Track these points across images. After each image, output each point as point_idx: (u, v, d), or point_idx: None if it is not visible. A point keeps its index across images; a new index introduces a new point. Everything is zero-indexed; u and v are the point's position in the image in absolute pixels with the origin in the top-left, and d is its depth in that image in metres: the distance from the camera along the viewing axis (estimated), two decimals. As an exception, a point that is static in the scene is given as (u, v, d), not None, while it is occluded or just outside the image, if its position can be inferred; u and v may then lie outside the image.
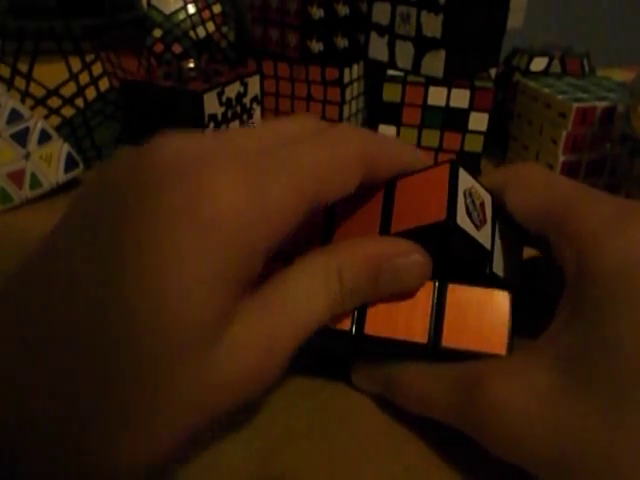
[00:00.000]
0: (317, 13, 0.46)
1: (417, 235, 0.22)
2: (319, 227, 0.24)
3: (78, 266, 0.17)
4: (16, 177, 0.41)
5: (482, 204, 0.23)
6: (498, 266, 0.23)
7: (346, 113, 0.49)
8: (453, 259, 0.23)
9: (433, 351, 0.22)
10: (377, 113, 0.47)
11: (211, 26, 0.56)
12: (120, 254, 0.16)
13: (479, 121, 0.45)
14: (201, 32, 0.55)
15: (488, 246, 0.22)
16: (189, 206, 0.16)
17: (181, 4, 0.54)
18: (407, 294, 0.23)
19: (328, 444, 0.23)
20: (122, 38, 0.49)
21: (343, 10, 0.47)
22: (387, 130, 0.46)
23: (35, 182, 0.42)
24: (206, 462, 0.22)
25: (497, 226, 0.24)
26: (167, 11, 0.54)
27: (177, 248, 0.16)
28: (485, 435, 0.20)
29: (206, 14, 0.55)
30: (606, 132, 0.42)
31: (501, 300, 0.22)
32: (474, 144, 0.45)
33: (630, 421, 0.17)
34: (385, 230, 0.23)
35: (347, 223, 0.24)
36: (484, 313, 0.22)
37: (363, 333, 0.23)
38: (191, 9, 0.55)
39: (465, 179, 0.22)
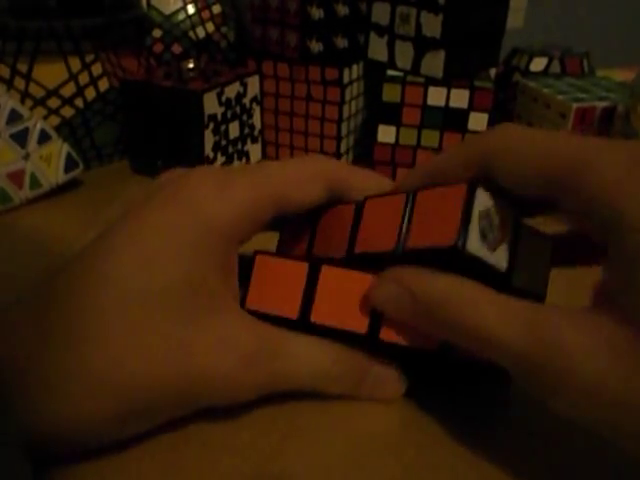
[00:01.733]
0: (317, 13, 0.46)
1: (428, 255, 0.21)
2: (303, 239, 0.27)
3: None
4: (16, 177, 0.41)
5: (503, 221, 0.22)
6: (520, 277, 0.22)
7: (346, 113, 0.49)
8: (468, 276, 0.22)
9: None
10: (377, 113, 0.47)
11: (211, 26, 0.56)
12: (121, 227, 0.22)
13: (479, 121, 0.45)
14: (201, 32, 0.55)
15: (503, 265, 0.22)
16: (172, 196, 0.23)
17: (181, 4, 0.54)
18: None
19: (328, 444, 0.23)
20: (122, 38, 0.49)
21: (343, 10, 0.47)
22: (387, 130, 0.46)
23: (35, 182, 0.42)
24: (206, 462, 0.22)
25: (522, 235, 0.22)
26: (167, 11, 0.54)
27: (159, 222, 0.22)
28: (552, 385, 0.19)
29: (206, 14, 0.55)
30: (606, 132, 0.42)
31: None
32: (474, 144, 0.45)
33: None
34: (351, 245, 0.24)
35: (324, 237, 0.26)
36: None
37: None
38: (191, 9, 0.55)
39: (483, 199, 0.21)
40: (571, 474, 0.22)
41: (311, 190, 0.24)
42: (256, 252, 0.25)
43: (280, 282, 0.24)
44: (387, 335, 0.23)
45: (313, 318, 0.24)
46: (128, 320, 0.20)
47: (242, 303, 0.24)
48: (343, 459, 0.22)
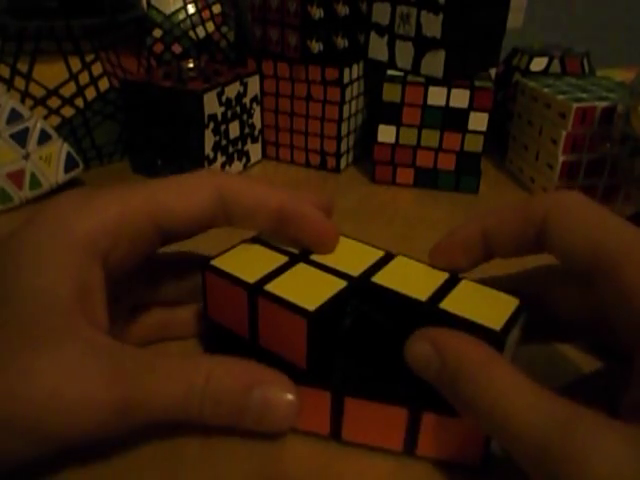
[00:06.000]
0: (317, 13, 0.46)
1: (466, 327, 0.21)
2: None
3: None
4: (16, 177, 0.41)
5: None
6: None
7: (346, 113, 0.49)
8: None
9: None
10: (377, 113, 0.47)
11: (211, 26, 0.56)
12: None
13: (479, 121, 0.45)
14: (201, 32, 0.55)
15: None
16: (42, 211, 0.22)
17: (181, 4, 0.54)
18: None
19: (328, 445, 0.23)
20: (122, 38, 0.49)
21: (343, 10, 0.47)
22: (387, 130, 0.46)
23: (35, 182, 0.42)
24: (206, 462, 0.22)
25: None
26: (167, 11, 0.54)
27: (27, 238, 0.22)
28: None
29: (206, 14, 0.55)
30: (606, 132, 0.42)
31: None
32: (474, 144, 0.45)
33: None
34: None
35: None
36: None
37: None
38: (191, 9, 0.55)
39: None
40: None
41: (195, 197, 0.23)
42: (206, 267, 0.24)
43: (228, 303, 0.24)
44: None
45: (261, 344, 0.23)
46: None
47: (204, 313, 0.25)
48: (343, 459, 0.22)
